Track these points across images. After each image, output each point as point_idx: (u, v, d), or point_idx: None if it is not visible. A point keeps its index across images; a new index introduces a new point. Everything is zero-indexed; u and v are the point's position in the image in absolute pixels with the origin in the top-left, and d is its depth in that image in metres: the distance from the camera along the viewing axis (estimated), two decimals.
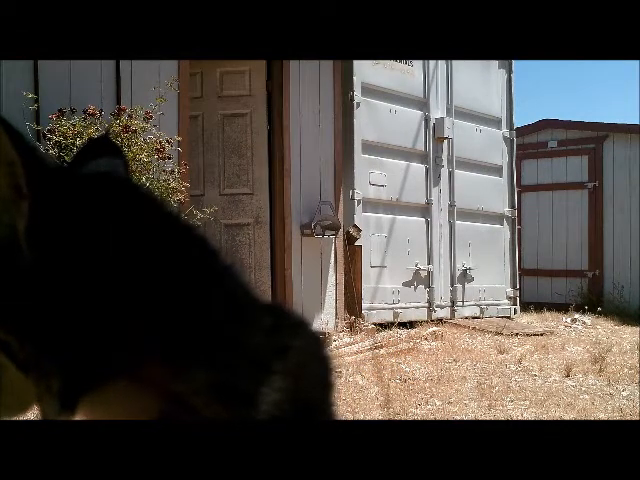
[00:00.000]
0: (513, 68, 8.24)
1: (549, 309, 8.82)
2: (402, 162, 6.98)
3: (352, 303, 6.21)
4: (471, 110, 7.73)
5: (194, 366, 0.61)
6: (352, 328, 6.08)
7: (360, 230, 6.39)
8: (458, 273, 7.51)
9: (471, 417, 3.69)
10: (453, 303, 7.44)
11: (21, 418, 0.63)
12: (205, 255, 0.60)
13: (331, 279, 6.25)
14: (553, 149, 10.71)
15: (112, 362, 0.56)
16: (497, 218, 8.10)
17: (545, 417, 3.74)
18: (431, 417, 3.69)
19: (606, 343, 6.31)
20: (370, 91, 6.65)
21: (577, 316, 8.16)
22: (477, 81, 7.79)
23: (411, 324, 6.78)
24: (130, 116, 4.31)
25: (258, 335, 0.66)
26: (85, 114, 4.23)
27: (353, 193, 6.44)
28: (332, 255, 6.25)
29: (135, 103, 4.60)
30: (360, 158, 6.54)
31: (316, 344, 0.74)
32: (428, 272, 7.18)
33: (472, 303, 7.67)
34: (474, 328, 6.88)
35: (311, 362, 0.73)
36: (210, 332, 0.62)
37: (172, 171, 4.37)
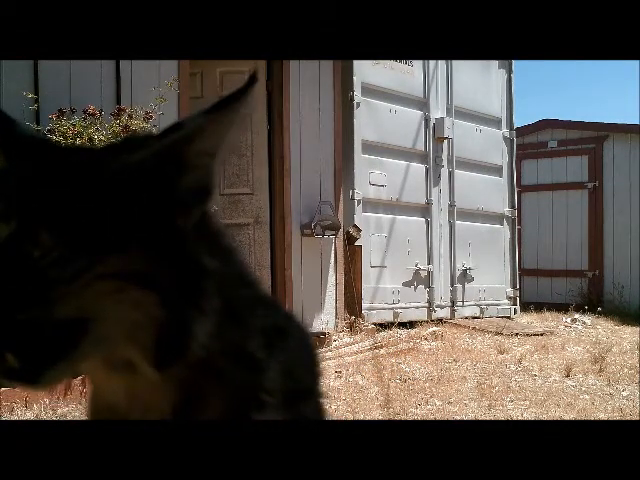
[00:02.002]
0: (513, 68, 8.23)
1: (549, 309, 8.81)
2: (402, 162, 6.98)
3: (352, 303, 6.20)
4: (471, 110, 7.72)
5: (227, 326, 0.69)
6: (352, 328, 6.08)
7: (360, 230, 6.38)
8: (458, 273, 7.51)
9: (471, 417, 3.69)
10: (453, 303, 7.44)
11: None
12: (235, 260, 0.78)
13: (331, 279, 6.25)
14: (553, 149, 10.70)
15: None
16: (497, 218, 8.09)
17: (545, 417, 3.73)
18: (431, 417, 3.69)
19: (606, 343, 6.31)
20: (370, 91, 6.65)
21: (577, 316, 8.15)
22: (477, 81, 7.79)
23: (411, 324, 6.77)
24: (130, 116, 4.30)
25: (264, 316, 0.72)
26: (85, 114, 4.22)
27: (353, 193, 6.44)
28: (332, 255, 6.25)
29: (135, 103, 4.59)
30: (360, 158, 6.53)
31: (304, 331, 0.82)
32: (428, 272, 7.18)
33: (472, 303, 7.66)
34: (474, 328, 6.88)
35: (304, 341, 0.80)
36: (237, 309, 0.72)
37: None
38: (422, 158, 7.21)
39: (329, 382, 4.38)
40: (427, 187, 7.23)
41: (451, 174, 7.47)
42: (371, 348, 5.49)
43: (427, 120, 7.22)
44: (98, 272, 0.61)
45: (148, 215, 0.65)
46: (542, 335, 6.84)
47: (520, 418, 3.68)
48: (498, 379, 4.67)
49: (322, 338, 5.38)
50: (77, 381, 3.40)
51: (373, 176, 6.68)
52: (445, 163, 7.41)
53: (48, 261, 0.60)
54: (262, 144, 5.93)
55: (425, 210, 7.23)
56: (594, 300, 9.49)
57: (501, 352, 5.70)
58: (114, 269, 0.62)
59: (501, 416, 3.72)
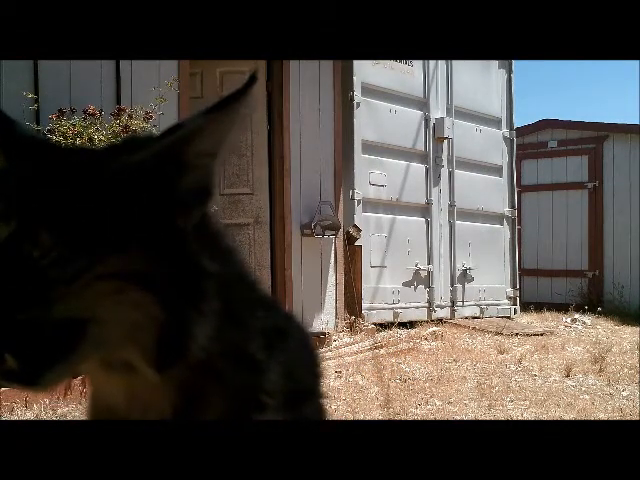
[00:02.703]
0: (513, 68, 8.23)
1: (549, 309, 8.81)
2: (402, 162, 6.98)
3: (352, 303, 6.20)
4: (471, 110, 7.72)
5: (226, 327, 0.69)
6: (352, 328, 6.08)
7: (360, 230, 6.38)
8: (458, 273, 7.51)
9: (471, 417, 3.69)
10: (453, 303, 7.44)
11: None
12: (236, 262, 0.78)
13: (331, 279, 6.25)
14: (553, 149, 10.70)
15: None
16: (497, 218, 8.09)
17: (545, 417, 3.73)
18: (431, 417, 3.69)
19: (606, 343, 6.31)
20: (370, 91, 6.65)
21: (577, 316, 8.15)
22: (477, 81, 7.79)
23: (411, 324, 6.77)
24: (130, 116, 4.30)
25: (264, 317, 0.72)
26: (85, 114, 4.22)
27: (353, 193, 6.43)
28: (332, 255, 6.25)
29: (135, 103, 4.59)
30: (360, 158, 6.53)
31: (305, 332, 0.82)
32: (428, 272, 7.18)
33: (472, 303, 7.66)
34: (474, 328, 6.88)
35: (305, 342, 0.80)
36: (237, 310, 0.72)
37: None
38: (422, 158, 7.20)
39: (329, 382, 4.38)
40: (427, 187, 7.22)
41: (451, 174, 7.46)
42: (371, 348, 5.49)
43: (427, 120, 7.22)
44: (98, 272, 0.61)
45: (148, 215, 0.65)
46: (542, 335, 6.84)
47: (520, 418, 3.68)
48: (498, 379, 4.67)
49: (322, 338, 5.37)
50: (77, 381, 3.40)
51: (373, 176, 6.68)
52: (445, 163, 7.41)
53: (48, 261, 0.60)
54: (262, 144, 5.93)
55: (425, 210, 7.23)
56: (594, 300, 9.49)
57: (501, 352, 5.70)
58: (114, 269, 0.62)
59: (501, 416, 3.72)
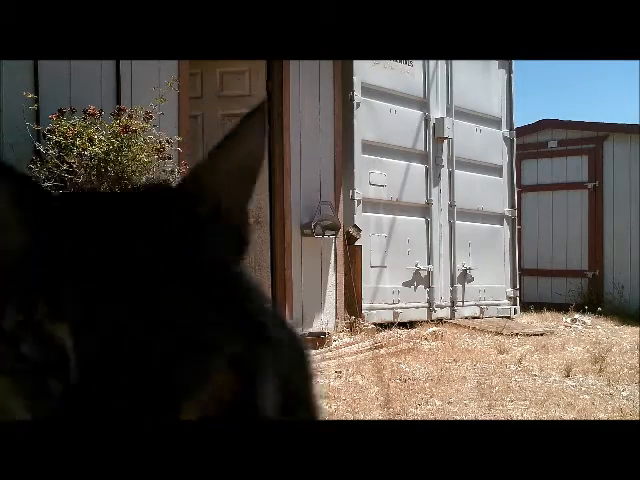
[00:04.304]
0: (513, 68, 8.24)
1: (549, 309, 8.81)
2: (402, 162, 6.98)
3: (352, 303, 6.20)
4: (471, 110, 7.72)
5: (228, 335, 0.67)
6: (352, 328, 6.08)
7: (360, 230, 6.39)
8: (458, 273, 7.51)
9: (471, 417, 3.69)
10: (453, 303, 7.44)
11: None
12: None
13: (331, 279, 6.25)
14: (553, 149, 10.70)
15: None
16: (497, 218, 8.10)
17: (545, 417, 3.73)
18: (431, 417, 3.69)
19: (606, 343, 6.31)
20: (370, 91, 6.65)
21: (577, 316, 8.15)
22: (477, 81, 7.79)
23: (411, 324, 6.77)
24: (130, 116, 4.30)
25: (256, 322, 0.71)
26: (85, 114, 4.22)
27: (353, 193, 6.44)
28: (332, 255, 6.25)
29: (135, 103, 4.59)
30: (360, 158, 6.53)
31: (298, 338, 0.81)
32: (428, 272, 7.18)
33: (472, 303, 7.66)
34: (474, 328, 6.88)
35: (296, 349, 0.79)
36: (234, 317, 0.68)
37: (172, 171, 4.37)
38: (422, 158, 7.21)
39: (329, 382, 4.38)
40: (427, 187, 7.23)
41: (451, 174, 7.47)
42: (371, 348, 5.49)
43: (427, 120, 7.22)
44: None
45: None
46: (542, 335, 6.84)
47: (520, 418, 3.68)
48: (498, 379, 4.67)
49: (322, 338, 5.38)
50: None
51: (373, 176, 6.68)
52: (445, 163, 7.42)
53: None
54: None
55: (425, 210, 7.23)
56: (594, 300, 9.49)
57: (501, 352, 5.70)
58: None
59: (501, 416, 3.72)
